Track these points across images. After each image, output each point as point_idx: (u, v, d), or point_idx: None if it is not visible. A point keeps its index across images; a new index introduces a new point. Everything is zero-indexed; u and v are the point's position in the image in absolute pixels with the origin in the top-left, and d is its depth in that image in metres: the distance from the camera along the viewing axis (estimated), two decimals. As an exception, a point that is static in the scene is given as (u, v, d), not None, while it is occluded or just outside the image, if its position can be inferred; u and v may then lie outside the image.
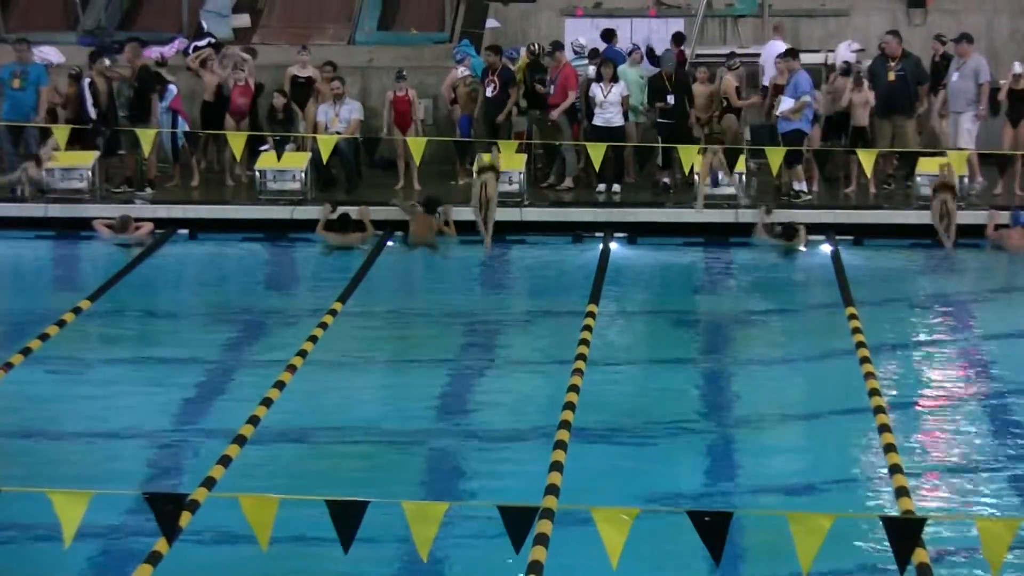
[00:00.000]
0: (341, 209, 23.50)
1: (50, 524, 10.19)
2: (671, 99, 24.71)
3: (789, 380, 17.55)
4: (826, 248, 22.87)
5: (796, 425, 16.04)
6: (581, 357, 17.28)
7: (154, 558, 11.89)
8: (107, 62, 25.48)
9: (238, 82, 25.45)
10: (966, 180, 23.67)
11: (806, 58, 25.63)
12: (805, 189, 24.36)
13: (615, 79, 24.65)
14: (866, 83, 24.45)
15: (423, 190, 24.48)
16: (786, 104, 24.00)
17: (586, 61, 25.88)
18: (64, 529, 9.90)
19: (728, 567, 11.62)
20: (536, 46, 25.98)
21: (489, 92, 25.15)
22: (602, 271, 21.76)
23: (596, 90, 24.56)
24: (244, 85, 25.54)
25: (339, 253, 22.98)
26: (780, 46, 25.78)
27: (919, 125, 25.34)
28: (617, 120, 24.60)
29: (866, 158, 22.88)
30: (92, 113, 25.00)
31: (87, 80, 25.10)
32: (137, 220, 23.59)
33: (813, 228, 23.35)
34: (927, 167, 23.58)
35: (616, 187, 24.75)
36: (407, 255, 23.17)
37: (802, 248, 22.70)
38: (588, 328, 18.52)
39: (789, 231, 22.89)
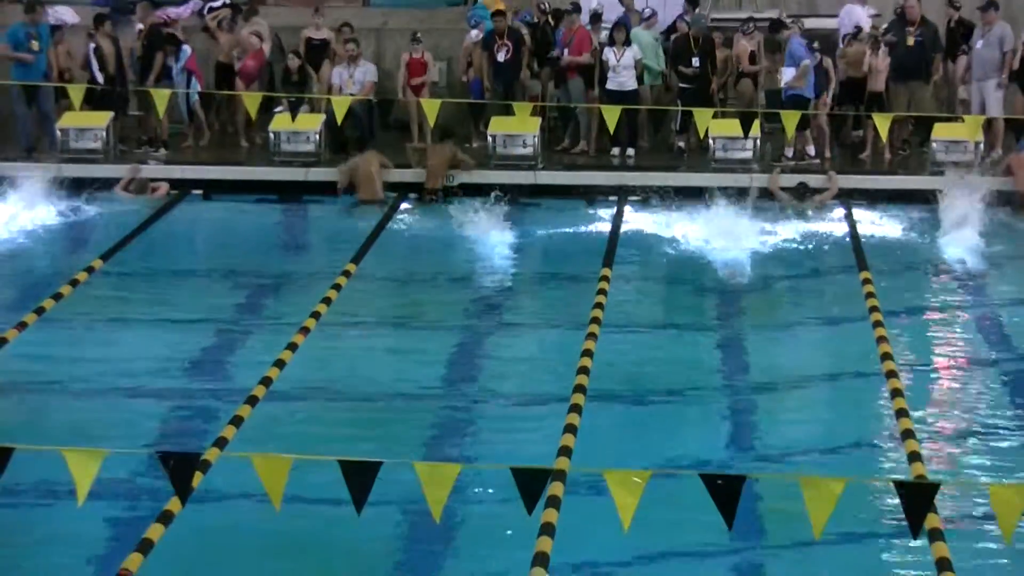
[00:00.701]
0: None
1: (64, 483, 10.20)
2: (696, 62, 24.62)
3: (803, 345, 17.54)
4: (840, 212, 22.87)
5: (809, 390, 16.03)
6: (595, 321, 17.28)
7: (166, 517, 11.93)
8: (111, 24, 25.46)
9: (252, 47, 25.40)
10: (981, 147, 23.62)
11: (823, 23, 25.56)
12: (812, 153, 24.36)
13: (628, 43, 24.57)
14: (883, 48, 24.38)
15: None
16: (788, 74, 23.95)
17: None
18: (78, 488, 9.91)
19: (740, 531, 11.61)
20: (547, 4, 25.92)
21: (501, 57, 25.08)
22: (616, 235, 21.77)
23: (609, 54, 24.48)
24: (258, 50, 25.49)
25: (355, 214, 22.97)
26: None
27: (935, 91, 25.25)
28: (630, 84, 24.52)
29: (882, 123, 22.79)
30: (99, 77, 24.97)
31: (92, 45, 25.09)
32: (153, 181, 23.63)
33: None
34: (943, 133, 23.53)
35: (630, 151, 24.70)
36: (420, 218, 23.19)
37: (812, 209, 22.73)
38: (602, 292, 18.53)
39: (802, 190, 22.92)
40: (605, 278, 19.30)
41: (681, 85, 25.08)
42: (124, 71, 25.35)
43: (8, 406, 15.68)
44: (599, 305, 17.93)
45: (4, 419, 15.21)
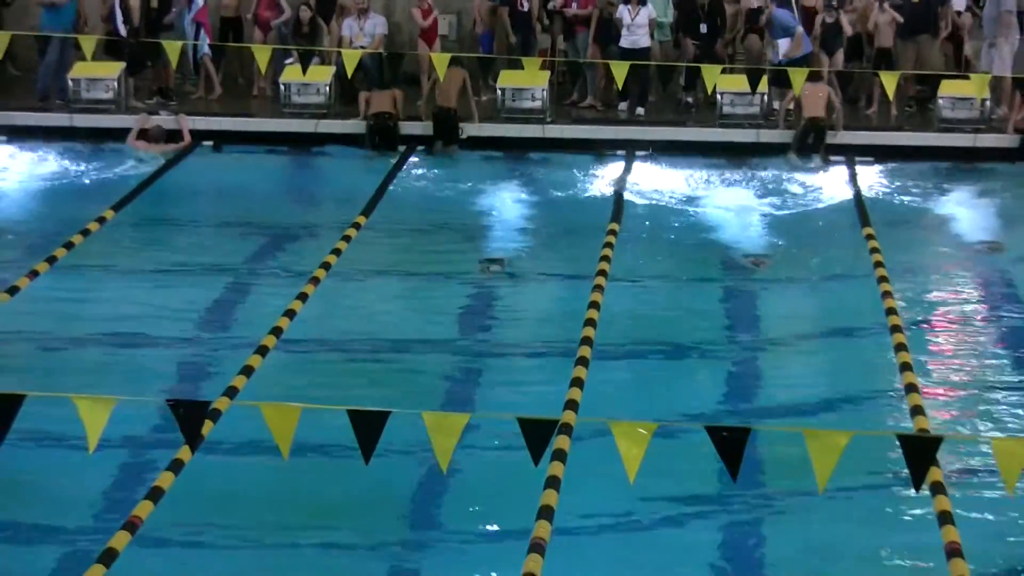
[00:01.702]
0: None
1: (74, 430, 10.20)
2: (704, 28, 24.51)
3: (807, 299, 17.54)
4: (846, 169, 22.85)
5: (814, 344, 16.03)
6: (602, 274, 17.28)
7: (176, 465, 11.94)
8: None
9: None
10: (987, 104, 23.57)
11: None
12: None
13: (643, 2, 24.45)
14: (888, 3, 24.32)
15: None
16: (784, 46, 23.87)
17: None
18: (88, 435, 9.91)
19: (745, 482, 11.63)
20: None
21: (526, 6, 25.05)
22: (623, 189, 21.75)
23: (624, 12, 24.36)
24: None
25: (364, 166, 22.94)
26: None
27: (942, 47, 25.17)
28: (644, 42, 24.39)
29: (888, 80, 22.73)
30: (122, 31, 24.88)
31: None
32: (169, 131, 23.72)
33: (834, 149, 23.34)
34: (950, 89, 23.48)
35: (640, 110, 24.61)
36: (429, 170, 23.16)
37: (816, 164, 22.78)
38: (609, 245, 18.51)
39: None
40: (612, 232, 19.28)
41: (691, 42, 25.01)
42: (150, 24, 25.23)
43: (20, 354, 15.71)
44: (605, 258, 17.93)
45: (15, 366, 15.25)
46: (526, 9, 25.09)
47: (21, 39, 24.15)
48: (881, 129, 24.13)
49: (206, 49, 25.27)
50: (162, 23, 25.13)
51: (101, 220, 19.65)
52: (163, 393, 13.83)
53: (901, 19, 24.43)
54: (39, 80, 25.03)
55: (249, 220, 20.81)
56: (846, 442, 9.70)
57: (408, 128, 23.93)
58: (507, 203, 21.49)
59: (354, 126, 23.93)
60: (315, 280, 16.89)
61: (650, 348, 15.96)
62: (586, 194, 22.00)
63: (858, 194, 21.51)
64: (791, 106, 23.57)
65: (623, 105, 24.70)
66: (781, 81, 23.29)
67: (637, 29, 24.33)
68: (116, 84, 24.45)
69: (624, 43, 24.30)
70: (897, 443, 9.76)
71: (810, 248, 19.62)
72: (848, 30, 24.53)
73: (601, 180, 22.60)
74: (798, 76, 21.95)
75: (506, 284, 18.03)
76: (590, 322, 15.45)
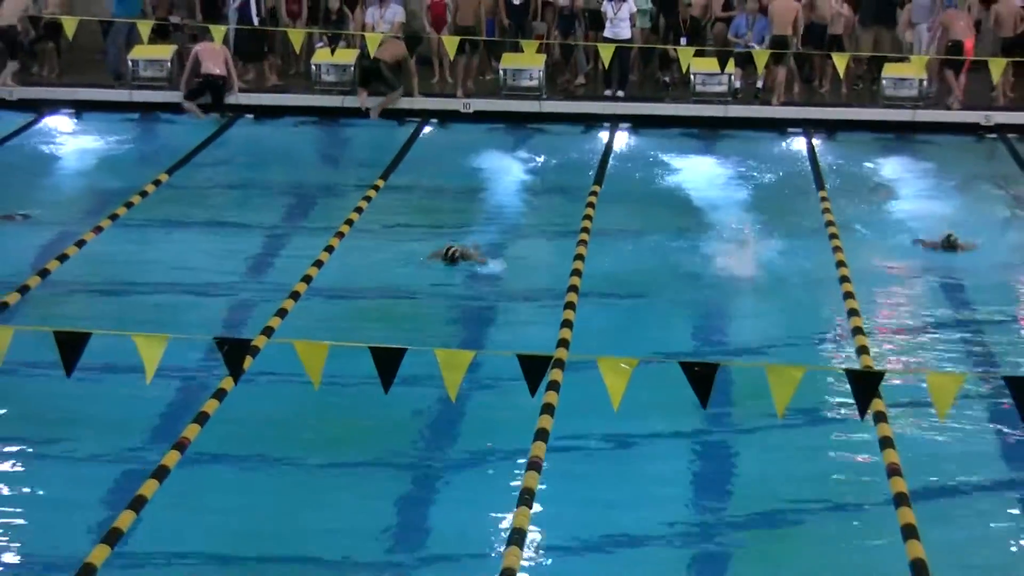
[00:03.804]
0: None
1: (134, 364, 10.18)
2: (684, 41, 24.30)
3: (768, 252, 17.44)
4: (804, 139, 22.79)
5: (773, 291, 15.96)
6: (586, 229, 17.28)
7: (220, 394, 11.95)
8: None
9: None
10: (924, 83, 23.48)
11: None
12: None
13: None
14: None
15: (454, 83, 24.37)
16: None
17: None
18: (146, 368, 9.89)
19: (713, 411, 11.63)
20: None
21: (517, 1, 24.87)
22: (607, 156, 21.71)
23: (608, 7, 24.15)
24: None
25: (385, 135, 22.84)
26: None
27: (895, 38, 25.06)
28: (625, 34, 24.14)
29: (840, 62, 22.69)
30: (255, 21, 24.70)
31: None
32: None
33: (793, 123, 23.30)
34: (892, 71, 23.45)
35: (620, 92, 24.41)
36: (440, 139, 23.10)
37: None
38: (592, 205, 18.52)
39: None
40: (595, 192, 19.29)
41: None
42: (215, 11, 25.02)
43: (86, 298, 15.69)
44: (588, 216, 17.94)
45: (82, 309, 15.23)
46: (517, 3, 24.89)
47: (85, 24, 24.04)
48: (834, 105, 24.02)
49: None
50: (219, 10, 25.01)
51: (157, 182, 19.66)
52: (209, 331, 13.79)
53: (853, 14, 24.35)
54: (109, 61, 24.86)
55: (283, 182, 20.75)
56: (801, 376, 9.69)
57: (422, 103, 23.86)
58: (507, 167, 21.45)
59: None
60: (340, 234, 16.95)
61: (629, 294, 15.91)
62: (575, 160, 21.90)
63: (814, 161, 21.46)
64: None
65: (608, 92, 24.53)
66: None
67: (619, 22, 24.13)
68: (169, 64, 24.34)
69: (607, 34, 24.11)
70: (845, 377, 9.73)
71: (771, 208, 19.53)
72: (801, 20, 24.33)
73: (588, 148, 22.51)
74: (761, 57, 21.93)
75: (505, 236, 17.96)
76: (576, 272, 15.45)
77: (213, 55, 23.57)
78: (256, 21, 24.52)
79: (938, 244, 17.12)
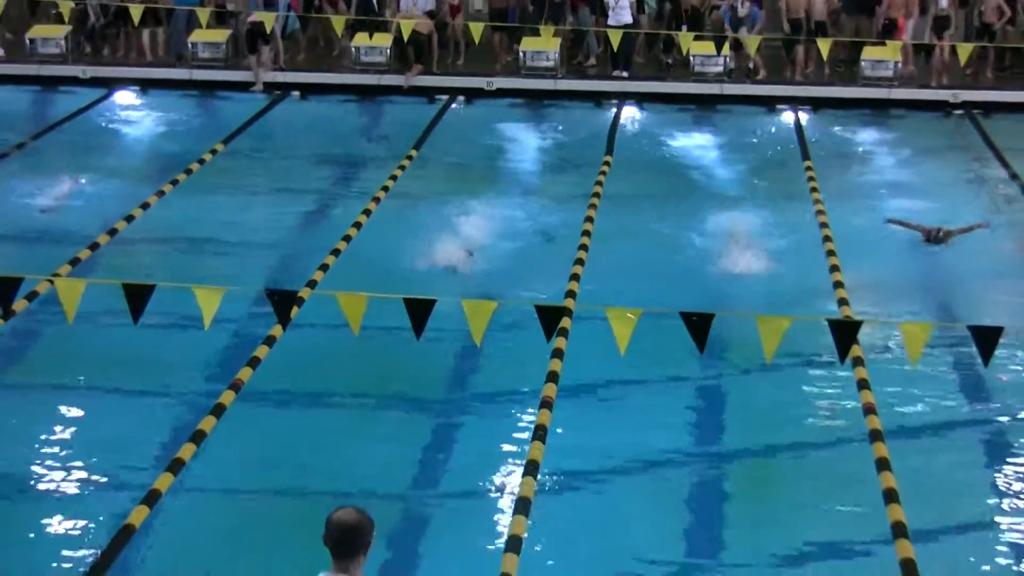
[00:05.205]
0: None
1: (193, 314, 10.19)
2: (684, 28, 24.12)
3: (758, 215, 17.37)
4: (791, 114, 22.68)
5: (764, 249, 15.87)
6: (596, 195, 17.23)
7: (270, 340, 11.99)
8: None
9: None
10: (899, 65, 23.34)
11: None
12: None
13: None
14: None
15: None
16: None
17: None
18: (204, 316, 9.91)
19: (709, 356, 11.64)
20: None
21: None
22: (615, 128, 21.64)
23: None
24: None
25: (417, 111, 22.75)
26: None
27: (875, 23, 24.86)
28: (626, 19, 23.95)
29: (824, 46, 22.55)
30: (229, 6, 24.66)
31: None
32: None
33: (781, 100, 23.18)
34: (870, 54, 23.33)
35: (625, 74, 24.23)
36: (466, 115, 23.03)
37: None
38: (603, 173, 18.46)
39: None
40: (607, 163, 19.21)
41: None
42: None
43: (150, 254, 15.71)
44: (600, 183, 17.88)
45: (147, 264, 15.24)
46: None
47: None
48: (818, 84, 23.89)
49: (296, 24, 25.03)
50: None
51: (213, 151, 19.66)
52: (260, 284, 13.82)
53: (838, 2, 24.24)
54: (173, 44, 24.79)
55: (326, 152, 20.70)
56: (787, 325, 9.67)
57: (449, 81, 23.76)
58: (526, 138, 21.40)
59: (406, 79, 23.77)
60: (376, 199, 16.95)
61: (635, 251, 15.88)
62: (587, 132, 21.82)
63: (800, 134, 21.38)
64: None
65: (615, 73, 24.41)
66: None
67: (621, 10, 24.00)
68: (225, 46, 24.28)
69: (611, 21, 23.95)
70: (827, 326, 9.71)
71: (761, 175, 19.47)
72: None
73: (598, 122, 22.42)
74: (752, 42, 21.80)
75: (526, 201, 17.90)
76: (586, 232, 15.39)
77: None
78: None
79: (929, 233, 16.06)
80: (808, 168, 19.08)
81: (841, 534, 9.77)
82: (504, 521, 9.14)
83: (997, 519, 10.12)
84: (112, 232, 15.63)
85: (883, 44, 23.47)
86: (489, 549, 8.96)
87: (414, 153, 19.72)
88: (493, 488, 10.35)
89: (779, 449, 11.21)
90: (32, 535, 9.62)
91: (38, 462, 10.61)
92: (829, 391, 12.09)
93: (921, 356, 9.81)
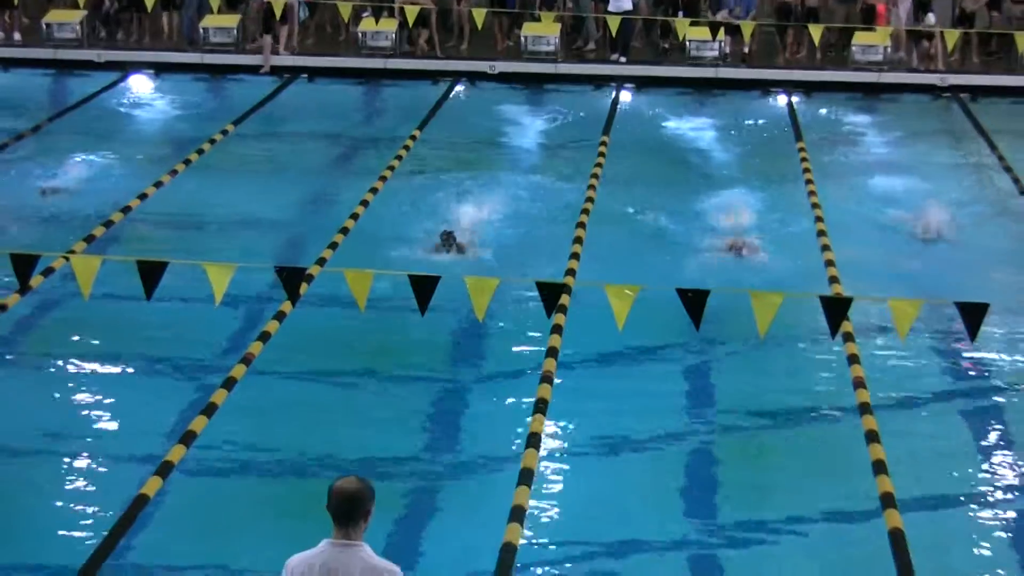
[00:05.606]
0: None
1: (205, 290, 10.16)
2: (681, 14, 24.03)
3: (753, 194, 17.34)
4: (785, 96, 22.64)
5: (757, 228, 15.86)
6: (595, 176, 17.19)
7: (280, 316, 11.97)
8: None
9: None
10: (888, 50, 23.27)
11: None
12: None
13: None
14: None
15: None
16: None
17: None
18: (215, 292, 9.88)
19: (705, 332, 11.57)
20: None
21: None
22: (613, 111, 21.58)
23: None
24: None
25: (422, 93, 22.69)
26: None
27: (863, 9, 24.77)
28: (626, 5, 23.91)
29: (815, 31, 22.47)
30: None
31: None
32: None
33: (775, 83, 23.11)
34: (861, 39, 23.26)
35: (623, 59, 24.16)
36: (469, 96, 22.97)
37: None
38: (602, 153, 18.41)
39: None
40: (604, 143, 19.17)
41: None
42: None
43: (163, 231, 15.68)
44: (599, 164, 17.84)
45: (160, 241, 15.21)
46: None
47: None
48: (810, 68, 23.81)
49: (306, 13, 24.92)
50: None
51: (224, 132, 19.62)
52: (270, 261, 13.79)
53: None
54: (185, 28, 24.70)
55: (333, 133, 20.66)
56: (780, 301, 9.63)
57: (454, 65, 23.67)
58: (527, 120, 21.36)
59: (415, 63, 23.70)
60: (383, 178, 16.90)
61: (633, 230, 15.84)
62: (586, 115, 21.75)
63: (793, 116, 21.32)
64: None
65: (614, 56, 24.32)
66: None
67: None
68: (235, 31, 24.21)
69: (611, 7, 23.86)
70: (818, 302, 9.68)
71: (756, 156, 19.43)
72: None
73: (597, 105, 22.36)
74: (747, 28, 21.72)
75: (527, 179, 17.86)
76: (585, 211, 15.35)
77: None
78: None
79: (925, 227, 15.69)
80: (801, 149, 19.04)
81: (832, 504, 9.76)
82: (507, 492, 9.12)
83: (983, 488, 10.12)
84: (126, 210, 15.60)
85: (872, 30, 23.40)
86: (493, 519, 8.94)
87: (418, 134, 19.67)
88: (496, 460, 10.34)
89: (773, 421, 11.21)
90: (48, 503, 9.61)
91: (54, 433, 10.60)
92: (820, 365, 12.07)
93: (910, 332, 9.78)
